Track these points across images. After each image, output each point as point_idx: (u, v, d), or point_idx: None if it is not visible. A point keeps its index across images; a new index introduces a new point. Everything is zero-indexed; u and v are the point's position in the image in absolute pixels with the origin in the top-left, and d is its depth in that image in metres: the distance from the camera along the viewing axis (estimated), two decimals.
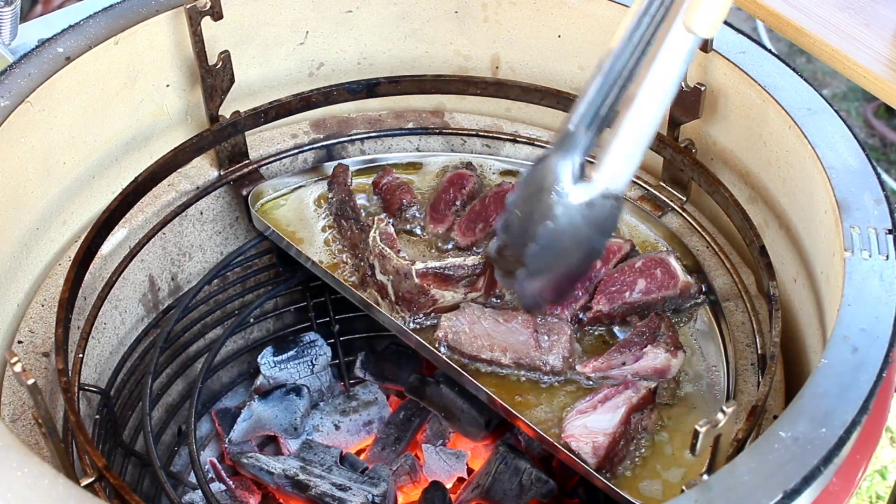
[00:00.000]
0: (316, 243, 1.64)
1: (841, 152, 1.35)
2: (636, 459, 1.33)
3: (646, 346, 1.39)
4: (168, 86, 1.62)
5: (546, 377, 1.42)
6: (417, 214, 1.65)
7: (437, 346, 1.44)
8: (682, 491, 0.99)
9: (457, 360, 1.43)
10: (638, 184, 1.68)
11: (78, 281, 1.36)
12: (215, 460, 1.66)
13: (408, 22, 1.77)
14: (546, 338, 1.42)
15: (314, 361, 1.76)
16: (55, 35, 1.48)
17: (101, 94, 1.53)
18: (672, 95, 1.10)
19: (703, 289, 1.53)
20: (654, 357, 1.38)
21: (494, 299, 1.51)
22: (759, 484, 0.98)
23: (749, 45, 1.52)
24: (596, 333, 1.49)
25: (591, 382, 1.41)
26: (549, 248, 1.16)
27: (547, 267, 1.19)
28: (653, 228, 1.63)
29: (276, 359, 1.74)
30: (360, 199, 1.69)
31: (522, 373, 1.42)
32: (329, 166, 1.73)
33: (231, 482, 1.63)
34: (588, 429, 1.31)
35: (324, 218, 1.67)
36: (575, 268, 1.23)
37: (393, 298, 1.49)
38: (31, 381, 0.98)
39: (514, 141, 1.78)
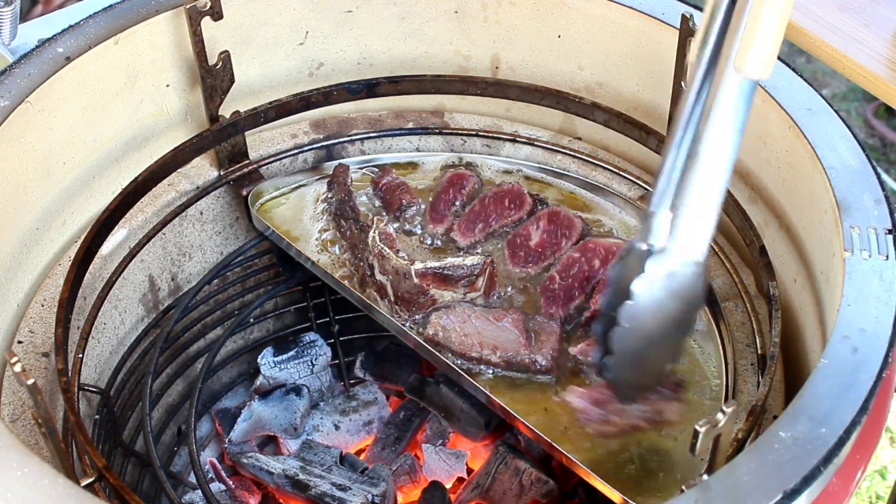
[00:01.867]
0: (315, 243, 1.64)
1: (841, 152, 1.35)
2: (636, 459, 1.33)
3: None
4: (168, 86, 1.62)
5: (536, 376, 1.42)
6: (417, 214, 1.65)
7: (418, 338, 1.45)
8: (682, 491, 0.99)
9: (449, 357, 1.44)
10: (637, 184, 1.68)
11: (78, 281, 1.36)
12: (215, 460, 1.66)
13: (408, 22, 1.77)
14: (535, 337, 1.43)
15: (314, 361, 1.76)
16: (55, 35, 1.48)
17: (101, 94, 1.53)
18: (737, 146, 1.03)
19: None
20: None
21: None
22: (759, 484, 0.98)
23: None
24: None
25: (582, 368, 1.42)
26: (634, 328, 1.08)
27: (636, 349, 1.11)
28: None
29: (276, 359, 1.74)
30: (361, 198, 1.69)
31: (512, 372, 1.42)
32: (329, 166, 1.73)
33: (231, 482, 1.63)
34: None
35: (323, 218, 1.67)
36: (666, 347, 1.16)
37: (392, 298, 1.49)
38: (30, 381, 0.98)
39: (514, 141, 1.78)
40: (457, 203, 1.65)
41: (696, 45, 1.05)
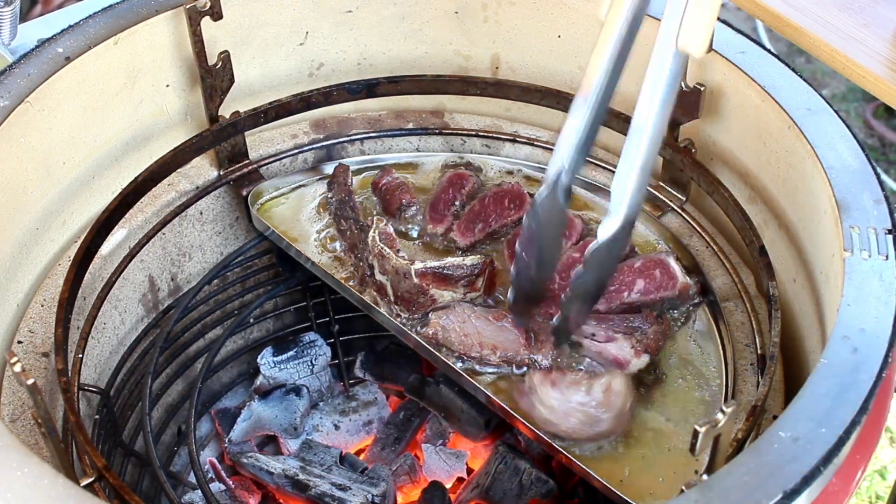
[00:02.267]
0: (315, 243, 1.64)
1: (840, 152, 1.35)
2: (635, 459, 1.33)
3: (619, 334, 1.40)
4: (168, 86, 1.62)
5: None
6: (417, 214, 1.65)
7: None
8: (682, 491, 0.99)
9: (449, 357, 1.44)
10: None
11: (78, 281, 1.36)
12: (215, 460, 1.66)
13: (408, 22, 1.77)
14: (535, 337, 1.43)
15: (314, 361, 1.76)
16: (55, 35, 1.48)
17: (101, 94, 1.53)
18: (668, 116, 1.16)
19: (702, 289, 1.53)
20: (619, 348, 1.39)
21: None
22: (758, 484, 0.98)
23: (749, 46, 1.52)
24: None
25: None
26: (580, 290, 1.30)
27: (578, 306, 1.33)
28: (652, 229, 1.63)
29: (275, 359, 1.74)
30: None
31: (513, 370, 1.42)
32: (329, 166, 1.73)
33: (231, 482, 1.63)
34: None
35: (323, 218, 1.67)
36: (596, 293, 1.36)
37: (392, 298, 1.49)
38: (30, 381, 0.98)
39: (514, 141, 1.78)
40: (457, 203, 1.65)
41: (605, 6, 1.17)
